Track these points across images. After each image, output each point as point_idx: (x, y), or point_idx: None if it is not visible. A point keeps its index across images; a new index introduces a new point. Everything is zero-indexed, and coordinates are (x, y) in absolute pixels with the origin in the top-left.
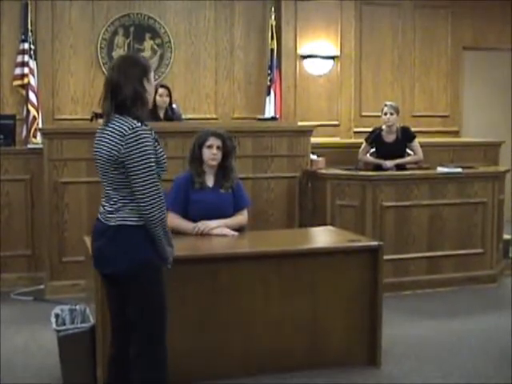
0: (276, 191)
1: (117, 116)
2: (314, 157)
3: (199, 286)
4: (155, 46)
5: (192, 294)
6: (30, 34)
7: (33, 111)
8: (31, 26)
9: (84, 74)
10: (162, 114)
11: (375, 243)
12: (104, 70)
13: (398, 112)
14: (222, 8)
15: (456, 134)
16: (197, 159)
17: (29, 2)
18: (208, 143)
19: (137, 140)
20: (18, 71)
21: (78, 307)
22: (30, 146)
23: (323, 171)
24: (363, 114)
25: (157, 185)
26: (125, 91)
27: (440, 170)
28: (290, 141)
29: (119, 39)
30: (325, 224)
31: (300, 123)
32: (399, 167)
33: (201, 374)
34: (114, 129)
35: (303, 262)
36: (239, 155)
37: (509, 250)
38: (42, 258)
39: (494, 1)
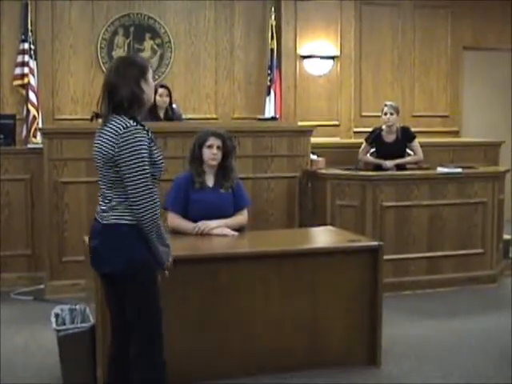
0: (276, 191)
1: (114, 116)
2: (314, 157)
3: (199, 286)
4: (155, 46)
5: (192, 294)
6: (30, 33)
7: (33, 111)
8: (31, 25)
9: (84, 74)
10: (162, 114)
11: (375, 243)
12: (104, 69)
13: (398, 112)
14: (222, 8)
15: (456, 134)
16: (197, 159)
17: (29, 2)
18: (208, 143)
19: (130, 139)
20: (18, 71)
21: (77, 307)
22: (29, 145)
23: (323, 171)
24: (363, 114)
25: (149, 184)
26: (121, 92)
27: (440, 170)
28: (290, 141)
29: (119, 39)
30: (325, 224)
31: (300, 123)
32: (399, 167)
33: (201, 374)
34: (110, 128)
35: (303, 261)
36: (239, 155)
37: (509, 250)
38: (41, 258)
39: (494, 1)
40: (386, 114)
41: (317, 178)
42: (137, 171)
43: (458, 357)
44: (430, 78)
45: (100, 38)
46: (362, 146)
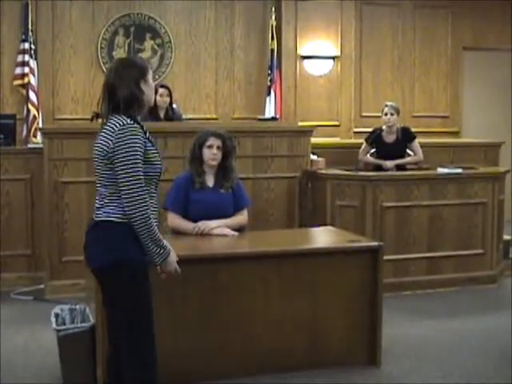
0: (276, 191)
1: (114, 116)
2: (314, 157)
3: (199, 286)
4: (155, 46)
5: (192, 294)
6: (30, 33)
7: (33, 111)
8: (32, 25)
9: (84, 74)
10: (162, 114)
11: (375, 243)
12: (104, 69)
13: (398, 112)
14: (222, 8)
15: (456, 134)
16: (197, 159)
17: (29, 2)
18: (208, 143)
19: (125, 135)
20: (18, 71)
21: (77, 307)
22: (30, 145)
23: (323, 171)
24: (363, 114)
25: (141, 182)
26: (120, 93)
27: (440, 170)
28: (290, 141)
29: (119, 39)
30: (325, 224)
31: (300, 123)
32: (399, 168)
33: (201, 374)
34: (108, 127)
35: (303, 262)
36: (239, 155)
37: (509, 251)
38: (41, 258)
39: (494, 1)
40: (386, 114)
41: (317, 178)
42: (129, 167)
43: (458, 357)
44: (430, 78)
45: (100, 38)
46: (362, 146)
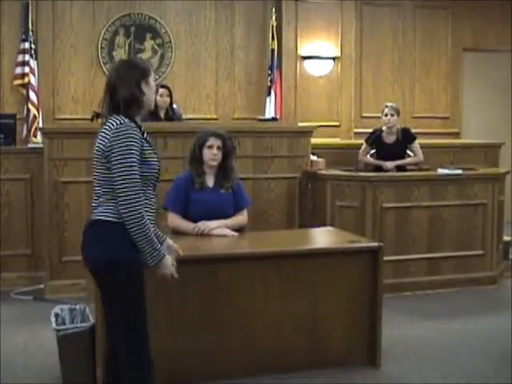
0: (276, 192)
1: (113, 116)
2: (314, 157)
3: (199, 286)
4: (156, 46)
5: (192, 294)
6: (30, 33)
7: (33, 110)
8: (32, 25)
9: (84, 74)
10: (162, 114)
11: (375, 244)
12: (105, 69)
13: (398, 113)
14: (222, 8)
15: (456, 135)
16: (197, 159)
17: (29, 2)
18: (208, 143)
19: (121, 134)
20: (18, 70)
21: (77, 307)
22: (30, 145)
23: (323, 172)
24: (363, 114)
25: (136, 181)
26: (120, 93)
27: (440, 171)
28: (290, 141)
29: (120, 39)
30: (325, 225)
31: (300, 124)
32: (399, 168)
33: (201, 374)
34: (107, 126)
35: (303, 262)
36: (239, 155)
37: (509, 252)
38: (41, 258)
39: (494, 1)
40: (386, 115)
41: (317, 178)
42: (124, 166)
43: (458, 358)
44: (430, 78)
45: (101, 38)
46: (362, 146)
